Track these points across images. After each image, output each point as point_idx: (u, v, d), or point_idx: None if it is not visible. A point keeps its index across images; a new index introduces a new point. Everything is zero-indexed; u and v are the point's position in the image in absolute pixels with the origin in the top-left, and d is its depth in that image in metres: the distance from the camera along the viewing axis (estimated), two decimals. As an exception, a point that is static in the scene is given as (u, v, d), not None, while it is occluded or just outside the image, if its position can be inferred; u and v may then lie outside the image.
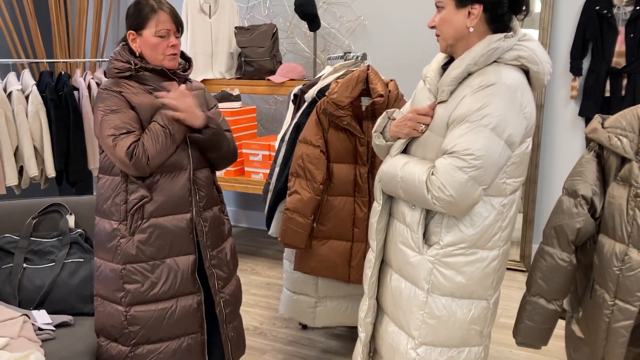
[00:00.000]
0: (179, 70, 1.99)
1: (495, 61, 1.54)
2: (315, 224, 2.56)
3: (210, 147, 1.96)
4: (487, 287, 1.64)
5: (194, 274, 1.98)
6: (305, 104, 2.73)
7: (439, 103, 1.62)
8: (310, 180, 2.50)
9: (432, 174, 1.53)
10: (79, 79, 4.06)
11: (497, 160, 1.50)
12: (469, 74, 1.55)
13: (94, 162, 4.08)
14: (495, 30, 1.56)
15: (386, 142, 1.78)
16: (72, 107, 3.95)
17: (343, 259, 2.59)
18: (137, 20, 1.88)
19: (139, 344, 1.94)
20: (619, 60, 3.62)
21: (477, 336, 1.67)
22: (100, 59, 4.50)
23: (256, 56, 4.00)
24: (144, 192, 1.88)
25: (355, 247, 2.57)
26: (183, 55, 2.05)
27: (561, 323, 1.89)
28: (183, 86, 1.89)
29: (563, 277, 1.69)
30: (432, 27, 1.63)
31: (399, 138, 1.71)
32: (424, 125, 1.62)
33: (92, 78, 4.11)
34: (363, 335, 1.86)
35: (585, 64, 3.74)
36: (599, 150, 1.67)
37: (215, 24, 4.21)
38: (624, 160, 1.60)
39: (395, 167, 1.65)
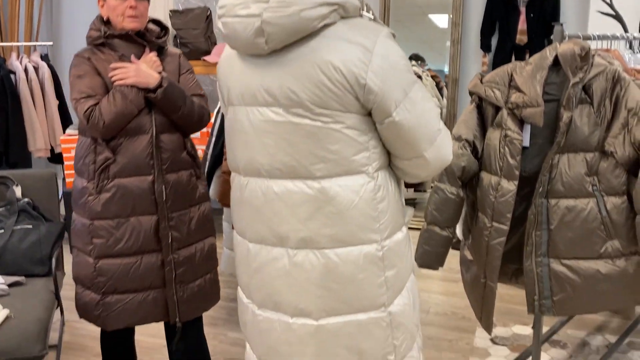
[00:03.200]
0: (154, 37, 2.07)
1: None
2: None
3: (167, 108, 2.01)
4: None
5: (156, 233, 2.06)
6: (238, 77, 2.97)
7: None
8: (243, 145, 2.74)
9: None
10: (14, 63, 4.13)
11: None
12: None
13: (33, 144, 4.16)
14: None
15: None
16: (9, 91, 4.02)
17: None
18: None
19: (108, 293, 2.06)
20: (521, 37, 4.05)
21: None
22: (35, 43, 4.56)
23: (191, 38, 4.19)
24: (108, 153, 1.97)
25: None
26: (159, 23, 2.15)
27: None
28: (152, 54, 2.00)
29: (452, 208, 2.02)
30: None
31: None
32: None
33: (29, 62, 4.19)
34: None
35: (494, 41, 4.14)
36: (478, 102, 2.00)
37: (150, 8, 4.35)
38: (497, 109, 1.94)
39: None
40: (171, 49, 2.21)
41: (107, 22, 2.04)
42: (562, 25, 2.03)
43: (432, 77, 4.57)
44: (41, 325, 2.13)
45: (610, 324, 2.90)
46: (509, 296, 3.25)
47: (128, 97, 1.94)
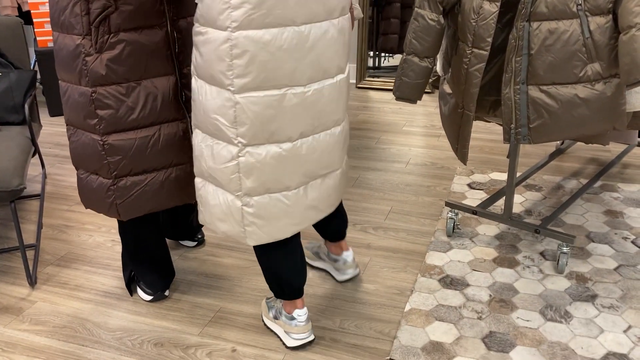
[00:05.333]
0: None
1: None
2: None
3: None
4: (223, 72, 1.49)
5: (176, 97, 1.76)
6: None
7: None
8: None
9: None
10: None
11: None
12: None
13: (-2, 2, 3.94)
14: None
15: None
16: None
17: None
18: None
19: (122, 176, 1.74)
20: None
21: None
22: None
23: None
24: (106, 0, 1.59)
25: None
26: None
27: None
28: None
29: (433, 37, 1.95)
30: None
31: None
32: None
33: None
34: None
35: None
36: None
37: None
38: None
39: None
40: None
41: None
42: None
43: None
44: (17, 162, 2.12)
45: (585, 170, 2.97)
46: (488, 147, 3.29)
47: None
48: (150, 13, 1.66)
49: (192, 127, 1.68)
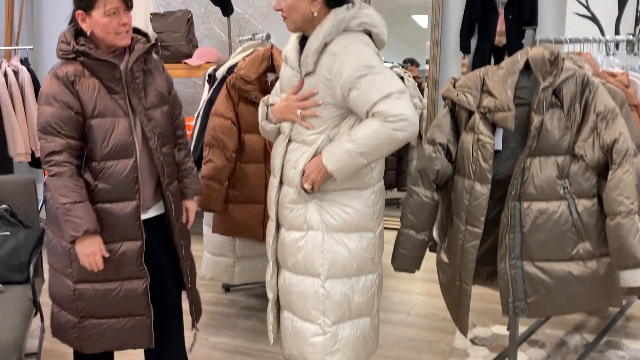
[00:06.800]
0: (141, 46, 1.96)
1: (344, 30, 1.82)
2: (230, 190, 2.82)
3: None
4: (370, 219, 1.94)
5: (138, 260, 1.99)
6: (217, 81, 2.97)
7: (305, 76, 1.88)
8: (223, 149, 2.75)
9: (385, 119, 1.70)
10: (-6, 67, 4.09)
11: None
12: (326, 45, 1.82)
13: (14, 149, 4.13)
14: (335, 6, 1.83)
15: (275, 124, 2.01)
16: (-12, 94, 3.99)
17: (257, 221, 2.86)
18: (84, 0, 1.83)
19: (86, 317, 2.02)
20: (500, 39, 4.08)
21: (370, 263, 1.97)
22: (14, 47, 4.52)
23: (172, 41, 4.18)
24: (89, 179, 1.89)
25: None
26: (139, 31, 2.02)
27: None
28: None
29: (427, 212, 2.04)
30: (279, 10, 1.85)
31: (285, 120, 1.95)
32: (300, 111, 1.87)
33: (8, 66, 4.15)
34: (271, 295, 2.11)
35: (473, 43, 4.17)
36: (452, 106, 2.02)
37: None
38: (470, 113, 1.96)
39: (342, 144, 1.78)
40: (155, 57, 2.13)
41: (78, 36, 1.90)
42: (534, 29, 2.06)
43: (414, 77, 4.59)
44: (18, 333, 2.12)
45: (588, 323, 2.94)
46: (489, 296, 3.28)
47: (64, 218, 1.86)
48: (126, 191, 1.94)
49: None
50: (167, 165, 2.02)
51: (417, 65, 4.65)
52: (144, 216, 2.00)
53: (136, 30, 2.01)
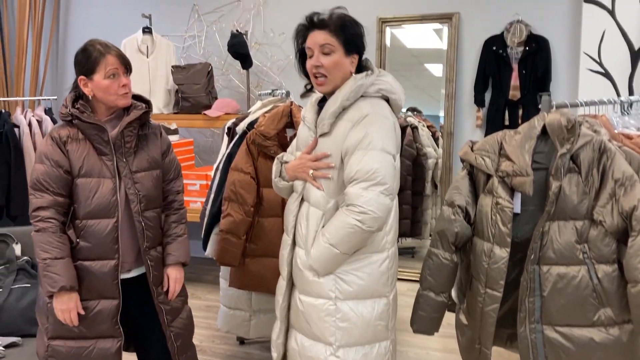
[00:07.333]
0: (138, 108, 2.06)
1: (362, 95, 1.88)
2: (247, 243, 2.84)
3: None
4: (384, 284, 1.95)
5: (114, 319, 2.02)
6: (237, 136, 3.04)
7: (320, 137, 1.93)
8: (242, 204, 2.79)
9: (347, 207, 1.78)
10: (19, 117, 4.21)
11: (393, 171, 1.81)
12: (344, 109, 1.88)
13: (35, 196, 4.21)
14: (357, 72, 1.91)
15: (288, 182, 2.06)
16: (12, 144, 4.10)
17: (274, 275, 2.86)
18: (86, 66, 1.95)
19: None
20: (514, 93, 4.14)
21: (384, 331, 1.96)
22: (39, 97, 4.66)
23: (192, 92, 4.29)
24: (72, 235, 1.96)
25: (284, 262, 2.87)
26: (141, 98, 2.12)
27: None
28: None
29: (447, 273, 2.04)
30: (319, 65, 1.87)
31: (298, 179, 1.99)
32: (312, 171, 1.91)
33: (33, 115, 4.27)
34: (275, 355, 2.08)
35: (487, 96, 4.24)
36: (470, 169, 2.05)
37: (152, 63, 4.48)
38: (488, 176, 1.99)
39: (320, 245, 1.84)
40: (154, 122, 2.22)
41: (78, 100, 2.01)
42: (549, 95, 2.10)
43: (428, 127, 4.65)
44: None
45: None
46: (507, 354, 3.23)
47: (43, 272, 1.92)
48: (106, 250, 1.98)
49: None
50: (148, 229, 2.05)
51: (421, 112, 4.69)
52: (125, 275, 2.06)
53: (139, 98, 2.12)
